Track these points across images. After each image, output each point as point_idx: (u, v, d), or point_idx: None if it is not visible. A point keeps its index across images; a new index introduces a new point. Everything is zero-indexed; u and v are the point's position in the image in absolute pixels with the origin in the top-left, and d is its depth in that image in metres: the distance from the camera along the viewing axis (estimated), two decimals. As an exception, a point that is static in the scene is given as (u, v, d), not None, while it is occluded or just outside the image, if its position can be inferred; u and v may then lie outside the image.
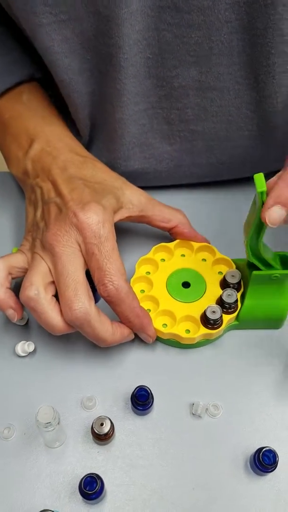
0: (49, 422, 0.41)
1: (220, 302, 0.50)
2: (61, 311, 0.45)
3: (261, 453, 0.43)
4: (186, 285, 0.53)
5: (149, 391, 0.47)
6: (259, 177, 0.41)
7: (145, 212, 0.53)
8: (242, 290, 0.51)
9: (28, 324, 0.53)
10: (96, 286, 0.46)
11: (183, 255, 0.55)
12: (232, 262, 0.54)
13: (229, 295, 0.50)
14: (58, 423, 0.43)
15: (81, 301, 0.44)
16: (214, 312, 0.49)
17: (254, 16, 0.46)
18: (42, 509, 0.41)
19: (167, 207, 0.55)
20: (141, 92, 0.52)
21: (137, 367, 0.51)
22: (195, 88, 0.52)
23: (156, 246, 0.55)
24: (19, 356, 0.51)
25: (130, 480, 0.45)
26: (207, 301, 0.51)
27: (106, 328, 0.46)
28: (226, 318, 0.50)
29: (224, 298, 0.50)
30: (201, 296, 0.52)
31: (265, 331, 0.53)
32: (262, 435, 0.47)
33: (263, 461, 0.43)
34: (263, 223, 0.41)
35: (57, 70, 0.51)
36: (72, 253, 0.46)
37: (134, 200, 0.52)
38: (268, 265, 0.47)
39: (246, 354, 0.52)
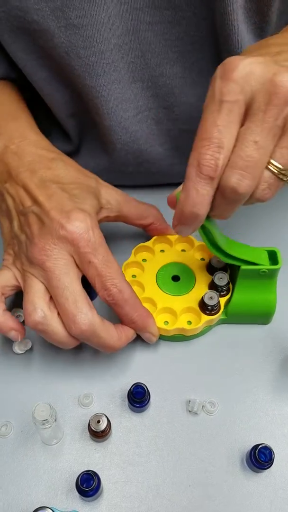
0: (46, 420, 0.41)
1: (212, 286, 0.51)
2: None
3: (257, 450, 0.44)
4: (176, 278, 0.53)
5: (145, 388, 0.47)
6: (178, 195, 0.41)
7: (123, 211, 0.52)
8: (229, 295, 0.51)
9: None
10: (98, 292, 0.45)
11: (162, 251, 0.55)
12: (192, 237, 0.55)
13: (220, 278, 0.50)
14: (55, 421, 0.43)
15: (83, 313, 0.44)
16: (211, 298, 0.49)
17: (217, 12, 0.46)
18: (39, 506, 0.41)
19: (142, 204, 0.54)
20: (128, 98, 0.52)
21: (133, 364, 0.51)
22: (180, 85, 0.52)
23: (135, 248, 0.55)
24: (16, 354, 0.51)
25: (127, 477, 0.45)
26: (200, 289, 0.52)
27: (112, 335, 0.46)
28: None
29: (216, 281, 0.50)
30: (193, 285, 0.52)
31: (261, 328, 0.53)
32: (258, 432, 0.47)
33: (259, 458, 0.43)
34: (206, 225, 0.43)
35: (33, 80, 0.51)
36: (64, 265, 0.44)
37: (111, 199, 0.51)
38: (229, 256, 0.47)
39: (242, 351, 0.52)
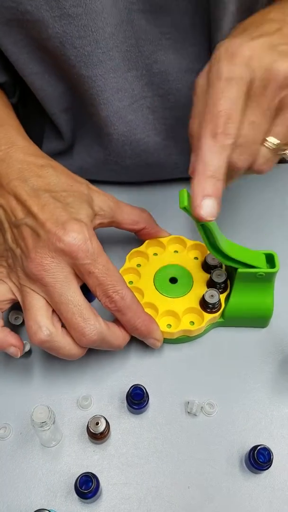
0: (45, 422, 0.41)
1: (211, 283, 0.51)
2: (73, 338, 0.44)
3: (256, 451, 0.44)
4: (173, 280, 0.53)
5: (144, 390, 0.47)
6: (182, 194, 0.42)
7: (116, 217, 0.51)
8: (228, 290, 0.52)
9: (23, 323, 0.53)
10: (100, 300, 0.45)
11: (155, 254, 0.55)
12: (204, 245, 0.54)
13: (218, 275, 0.51)
14: (54, 423, 0.43)
15: (91, 324, 0.43)
16: (212, 296, 0.50)
17: None
18: (38, 508, 0.41)
19: (133, 208, 0.54)
20: (123, 87, 0.52)
21: (132, 366, 0.51)
22: (174, 72, 0.52)
23: (129, 254, 0.55)
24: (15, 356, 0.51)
25: (126, 479, 0.45)
26: (199, 288, 0.52)
27: (118, 335, 0.46)
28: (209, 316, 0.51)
29: (214, 278, 0.51)
30: (192, 285, 0.52)
31: (259, 330, 0.53)
32: (257, 433, 0.47)
33: (258, 459, 0.43)
34: (207, 225, 0.43)
35: (25, 75, 0.51)
36: (65, 278, 0.44)
37: (104, 206, 0.50)
38: (227, 258, 0.47)
39: (241, 353, 0.52)
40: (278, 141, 0.42)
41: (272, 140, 0.41)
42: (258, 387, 0.50)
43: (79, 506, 0.44)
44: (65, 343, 0.44)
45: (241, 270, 0.48)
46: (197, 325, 0.50)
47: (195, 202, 0.39)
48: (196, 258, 0.55)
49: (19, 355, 0.46)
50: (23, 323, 0.53)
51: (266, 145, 0.42)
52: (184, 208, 0.42)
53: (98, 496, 0.44)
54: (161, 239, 0.55)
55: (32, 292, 0.44)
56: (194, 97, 0.44)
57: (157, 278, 0.53)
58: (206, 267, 0.53)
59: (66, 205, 0.46)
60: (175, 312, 0.50)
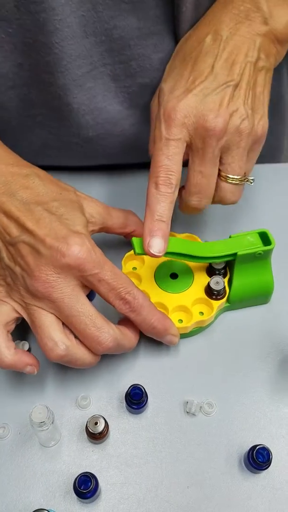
0: (43, 422, 0.41)
1: (208, 291, 0.51)
2: (87, 347, 0.45)
3: (255, 451, 0.43)
4: (174, 276, 0.53)
5: (143, 390, 0.47)
6: (135, 241, 0.47)
7: (106, 223, 0.51)
8: (228, 275, 0.53)
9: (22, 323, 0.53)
10: (114, 305, 0.45)
11: None
12: (197, 237, 0.55)
13: (217, 282, 0.51)
14: (52, 422, 0.43)
15: (105, 331, 0.44)
16: (217, 282, 0.51)
17: None
18: (37, 508, 0.41)
19: (121, 211, 0.53)
20: (81, 54, 0.51)
21: (131, 365, 0.51)
22: (135, 37, 0.51)
23: (123, 258, 0.54)
24: (14, 356, 0.51)
25: (125, 478, 0.45)
26: (201, 278, 0.53)
27: (130, 337, 0.47)
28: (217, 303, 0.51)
29: (212, 286, 0.51)
30: (193, 278, 0.53)
31: (259, 329, 0.53)
32: (256, 432, 0.47)
33: (257, 459, 0.43)
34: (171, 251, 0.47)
35: None
36: (72, 291, 0.43)
37: (94, 212, 0.50)
38: (216, 258, 0.50)
39: (240, 352, 0.52)
40: (238, 176, 0.48)
41: (232, 176, 0.48)
42: (257, 386, 0.50)
43: (78, 506, 0.44)
44: (81, 354, 0.44)
45: (240, 252, 0.49)
46: (207, 315, 0.51)
47: (145, 242, 0.45)
48: None
49: (35, 373, 0.46)
50: (22, 322, 0.53)
51: (230, 181, 0.48)
52: (139, 254, 0.47)
53: (97, 496, 0.44)
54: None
55: (39, 309, 0.44)
56: (151, 120, 0.51)
57: (157, 277, 0.53)
58: (211, 270, 0.53)
59: (60, 216, 0.45)
60: (185, 306, 0.51)
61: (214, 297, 0.51)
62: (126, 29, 0.51)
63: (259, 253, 0.49)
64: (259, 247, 0.49)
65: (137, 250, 0.47)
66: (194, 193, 0.47)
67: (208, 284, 0.51)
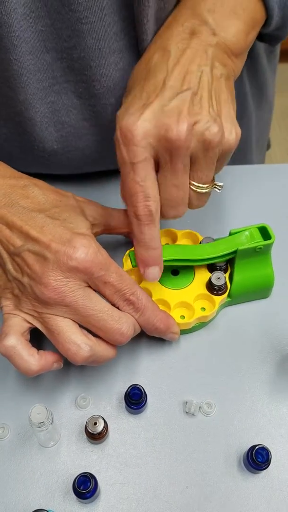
0: (43, 422, 0.41)
1: (210, 286, 0.52)
2: (106, 342, 0.45)
3: (254, 451, 0.44)
4: (175, 272, 0.53)
5: (142, 390, 0.47)
6: (131, 255, 0.48)
7: (108, 223, 0.51)
8: (229, 270, 0.53)
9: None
10: (118, 306, 0.45)
11: None
12: (195, 233, 0.55)
13: (218, 278, 0.51)
14: (52, 423, 0.43)
15: (124, 321, 0.44)
16: (218, 278, 0.51)
17: None
18: (36, 508, 0.41)
19: (119, 211, 0.53)
20: (42, 68, 0.50)
21: (130, 365, 0.51)
22: (96, 58, 0.50)
23: (124, 256, 0.54)
24: (13, 356, 0.51)
25: (124, 479, 0.45)
26: (202, 274, 0.53)
27: (135, 321, 0.46)
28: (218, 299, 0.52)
29: (213, 281, 0.51)
30: (194, 274, 0.53)
31: (258, 330, 0.53)
32: (255, 432, 0.47)
33: (256, 459, 0.43)
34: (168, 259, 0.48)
35: None
36: (83, 292, 0.43)
37: (95, 214, 0.50)
38: (215, 258, 0.51)
39: (239, 353, 0.52)
40: (204, 184, 0.46)
41: (199, 185, 0.45)
42: (256, 387, 0.50)
43: (77, 506, 0.44)
44: (104, 350, 0.44)
45: (241, 247, 0.49)
46: (209, 310, 0.51)
47: (141, 271, 0.46)
48: (167, 244, 0.55)
49: (61, 365, 0.46)
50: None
51: (197, 190, 0.46)
52: (136, 267, 0.48)
53: (96, 496, 0.44)
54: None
55: (54, 316, 0.43)
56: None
57: (163, 282, 0.53)
58: (212, 266, 0.53)
59: (63, 221, 0.44)
60: (186, 302, 0.51)
61: (215, 292, 0.51)
62: (85, 50, 0.49)
63: (259, 248, 0.50)
64: (259, 241, 0.50)
65: (134, 263, 0.48)
66: (172, 207, 0.45)
67: (210, 279, 0.51)
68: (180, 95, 0.43)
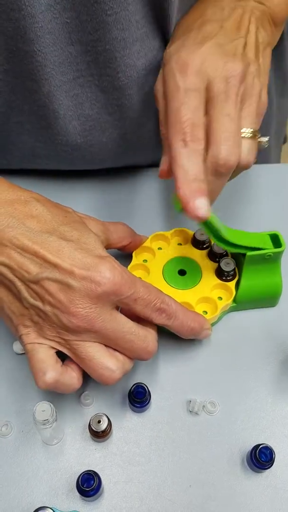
0: (47, 419, 0.41)
1: (219, 272, 0.52)
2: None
3: (257, 450, 0.43)
4: (182, 272, 0.53)
5: (146, 388, 0.47)
6: (175, 198, 0.43)
7: (108, 239, 0.50)
8: (237, 277, 0.52)
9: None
10: (151, 318, 0.44)
11: (160, 248, 0.55)
12: (186, 230, 0.55)
13: (227, 263, 0.52)
14: (56, 420, 0.43)
15: (149, 339, 0.44)
16: (228, 263, 0.51)
17: None
18: (39, 506, 0.41)
19: (116, 225, 0.52)
20: (66, 61, 0.49)
21: (134, 364, 0.51)
22: (121, 49, 0.50)
23: (135, 250, 0.54)
24: (17, 354, 0.51)
25: (128, 477, 0.45)
26: (209, 277, 0.52)
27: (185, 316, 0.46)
28: (221, 304, 0.51)
29: (222, 267, 0.51)
30: (200, 276, 0.53)
31: (262, 328, 0.53)
32: (259, 432, 0.47)
33: (260, 458, 0.43)
34: (209, 221, 0.44)
35: None
36: (111, 315, 0.42)
37: (98, 231, 0.48)
38: (234, 245, 0.49)
39: (243, 352, 0.52)
40: (252, 129, 0.44)
41: (247, 130, 0.44)
42: (260, 386, 0.50)
43: (81, 504, 0.44)
44: (129, 366, 0.45)
45: (250, 253, 0.49)
46: (210, 314, 0.51)
47: (189, 205, 0.42)
48: (179, 244, 0.55)
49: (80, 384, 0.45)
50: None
51: (245, 135, 0.44)
52: (181, 210, 0.43)
53: (99, 494, 0.44)
54: (164, 233, 0.55)
55: (82, 342, 0.42)
56: (156, 103, 0.48)
57: (165, 272, 0.53)
58: (213, 255, 0.53)
59: (77, 241, 0.43)
60: (189, 303, 0.51)
61: (224, 278, 0.52)
62: (111, 42, 0.49)
63: (269, 255, 0.49)
64: (269, 249, 0.49)
65: (179, 207, 0.43)
66: (224, 140, 0.42)
67: (219, 265, 0.51)
68: (236, 41, 0.45)
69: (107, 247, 0.51)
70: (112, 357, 0.43)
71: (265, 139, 0.46)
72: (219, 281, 0.52)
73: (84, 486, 0.42)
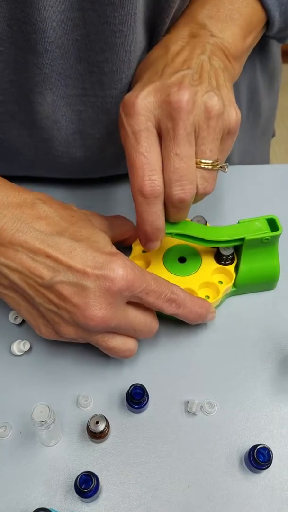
0: (45, 421, 0.42)
1: (218, 256, 0.53)
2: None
3: (255, 451, 0.44)
4: (182, 260, 0.54)
5: (144, 389, 0.47)
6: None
7: (112, 234, 0.51)
8: (236, 261, 0.53)
9: (23, 323, 0.53)
10: (162, 309, 0.46)
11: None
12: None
13: (225, 248, 0.52)
14: (54, 422, 0.43)
15: (154, 325, 0.47)
16: (226, 248, 0.52)
17: None
18: (38, 507, 0.41)
19: (116, 218, 0.53)
20: (73, 76, 0.50)
21: (132, 365, 0.51)
22: (126, 69, 0.50)
23: (134, 243, 0.55)
24: (15, 355, 0.51)
25: (126, 477, 0.45)
26: (209, 263, 0.53)
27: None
28: (223, 288, 0.52)
29: (221, 251, 0.52)
30: (200, 262, 0.53)
31: (260, 329, 0.53)
32: (256, 432, 0.47)
33: (258, 459, 0.43)
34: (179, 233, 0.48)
35: None
36: (124, 311, 0.44)
37: (102, 227, 0.50)
38: (223, 242, 0.50)
39: (241, 352, 0.52)
40: (211, 160, 0.44)
41: (205, 161, 0.44)
42: (258, 386, 0.50)
43: (79, 505, 0.44)
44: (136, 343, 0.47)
45: (248, 237, 0.50)
46: (213, 298, 0.51)
47: (141, 242, 0.47)
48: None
49: None
50: (23, 322, 0.53)
51: (203, 166, 0.44)
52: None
53: (98, 495, 0.44)
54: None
55: (100, 336, 0.45)
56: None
57: (166, 260, 0.54)
58: (219, 256, 0.54)
59: (87, 240, 0.43)
60: (191, 289, 0.51)
61: (223, 262, 0.52)
62: (117, 63, 0.49)
63: (266, 239, 0.50)
64: (267, 232, 0.50)
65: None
66: (174, 180, 0.43)
67: (218, 249, 0.52)
68: (181, 72, 0.44)
69: (112, 241, 0.51)
70: (127, 339, 0.46)
71: (225, 165, 0.46)
72: (218, 265, 0.53)
73: (82, 487, 0.42)
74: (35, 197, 0.45)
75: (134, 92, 0.43)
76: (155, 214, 0.44)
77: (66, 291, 0.41)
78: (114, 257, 0.42)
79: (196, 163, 0.44)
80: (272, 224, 0.51)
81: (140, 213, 0.44)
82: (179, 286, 0.47)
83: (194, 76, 0.44)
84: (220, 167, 0.45)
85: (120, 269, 0.41)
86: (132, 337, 0.47)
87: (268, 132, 0.84)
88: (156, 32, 0.51)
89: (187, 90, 0.41)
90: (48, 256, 0.41)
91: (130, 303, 0.45)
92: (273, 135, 0.90)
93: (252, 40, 0.52)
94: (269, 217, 0.51)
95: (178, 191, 0.43)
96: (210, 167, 0.44)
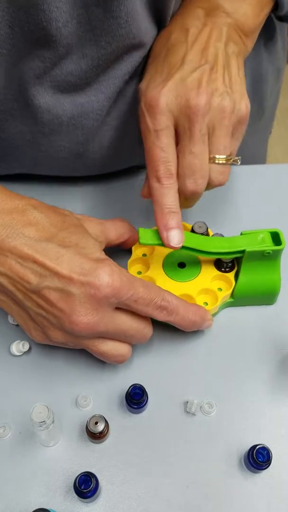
0: (44, 421, 0.42)
1: (218, 263, 0.53)
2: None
3: (255, 451, 0.44)
4: (182, 265, 0.54)
5: (143, 390, 0.47)
6: (140, 231, 0.48)
7: (108, 238, 0.51)
8: (236, 268, 0.53)
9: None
10: (153, 315, 0.45)
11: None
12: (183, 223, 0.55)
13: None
14: (53, 422, 0.43)
15: (147, 329, 0.47)
16: None
17: None
18: (37, 507, 0.41)
19: (114, 222, 0.53)
20: (76, 69, 0.50)
21: (131, 365, 0.51)
22: (132, 60, 0.51)
23: (134, 245, 0.54)
24: (14, 356, 0.51)
25: (125, 478, 0.45)
26: (208, 269, 0.53)
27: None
28: (222, 295, 0.52)
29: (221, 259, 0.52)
30: (200, 268, 0.53)
31: (259, 329, 0.53)
32: (256, 432, 0.47)
33: (257, 459, 0.43)
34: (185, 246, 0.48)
35: None
36: (111, 316, 0.44)
37: (97, 232, 0.50)
38: (224, 254, 0.50)
39: (240, 352, 0.52)
40: (224, 155, 0.48)
41: (219, 157, 0.48)
42: (257, 386, 0.50)
43: (78, 506, 0.44)
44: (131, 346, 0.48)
45: (249, 249, 0.49)
46: (211, 305, 0.51)
47: (163, 236, 0.47)
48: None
49: None
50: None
51: (217, 162, 0.48)
52: (144, 244, 0.48)
53: (97, 496, 0.44)
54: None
55: (90, 341, 0.45)
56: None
57: (165, 265, 0.53)
58: (219, 264, 0.53)
59: (76, 247, 0.43)
60: (189, 295, 0.51)
61: (223, 269, 0.52)
62: (122, 54, 0.50)
63: (268, 252, 0.49)
64: (269, 246, 0.49)
65: (142, 240, 0.48)
66: (188, 175, 0.47)
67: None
68: (199, 68, 0.47)
69: (108, 245, 0.51)
70: (119, 345, 0.46)
71: (238, 159, 0.50)
72: (218, 272, 0.53)
73: (82, 487, 0.42)
74: (27, 203, 0.45)
75: (155, 89, 0.46)
76: (171, 197, 0.47)
77: (52, 296, 0.42)
78: (101, 263, 0.42)
79: (211, 159, 0.48)
80: (276, 238, 0.50)
81: (156, 197, 0.47)
82: (172, 293, 0.46)
83: (211, 74, 0.47)
84: (233, 161, 0.49)
85: (106, 276, 0.42)
86: (125, 342, 0.47)
87: (268, 129, 0.84)
88: (162, 15, 0.51)
89: (205, 95, 0.46)
90: (35, 261, 0.42)
91: (121, 309, 0.45)
92: (270, 133, 0.90)
93: (262, 18, 0.55)
94: (274, 230, 0.50)
95: (191, 184, 0.47)
96: (224, 162, 0.48)
